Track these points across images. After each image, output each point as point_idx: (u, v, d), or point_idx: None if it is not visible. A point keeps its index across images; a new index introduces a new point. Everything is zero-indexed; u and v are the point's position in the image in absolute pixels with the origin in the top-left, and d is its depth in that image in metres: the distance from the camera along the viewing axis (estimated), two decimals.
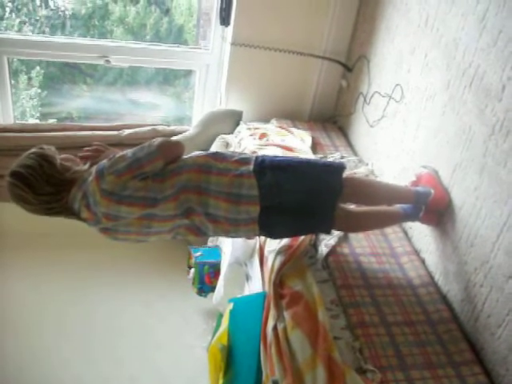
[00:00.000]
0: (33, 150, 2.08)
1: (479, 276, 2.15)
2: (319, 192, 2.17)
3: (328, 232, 2.29)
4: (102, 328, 3.17)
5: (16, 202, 2.05)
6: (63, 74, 4.17)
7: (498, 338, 2.03)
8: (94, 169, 2.05)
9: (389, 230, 2.67)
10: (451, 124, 2.37)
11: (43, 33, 3.62)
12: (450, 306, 2.32)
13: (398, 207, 2.45)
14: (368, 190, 2.39)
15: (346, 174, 2.28)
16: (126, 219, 2.04)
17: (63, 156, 2.15)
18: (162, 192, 2.02)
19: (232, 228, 2.10)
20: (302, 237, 2.41)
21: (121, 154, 2.05)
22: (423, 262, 2.53)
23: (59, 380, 2.86)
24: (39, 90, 4.01)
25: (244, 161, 2.15)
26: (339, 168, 2.26)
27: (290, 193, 2.13)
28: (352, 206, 2.43)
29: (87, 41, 3.49)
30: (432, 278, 2.45)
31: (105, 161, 2.04)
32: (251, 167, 2.10)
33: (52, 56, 3.53)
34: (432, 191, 2.39)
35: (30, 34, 3.56)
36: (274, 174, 2.11)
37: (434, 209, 2.40)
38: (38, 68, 3.92)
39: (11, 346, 2.99)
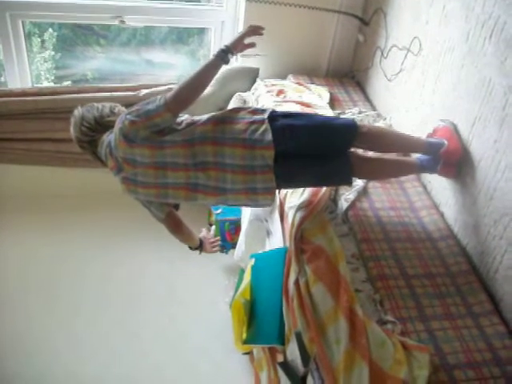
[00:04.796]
0: None
1: (499, 228, 2.17)
2: (333, 133, 2.24)
3: (348, 180, 2.30)
4: (124, 286, 3.25)
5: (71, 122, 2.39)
6: (76, 36, 4.13)
7: None
8: None
9: (408, 184, 2.68)
10: (470, 76, 2.35)
11: None
12: (469, 259, 2.34)
13: (414, 158, 2.47)
14: (381, 136, 2.43)
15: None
16: (141, 165, 2.16)
17: (123, 109, 2.43)
18: (171, 139, 2.14)
19: (249, 177, 2.13)
20: (322, 192, 2.44)
21: (139, 104, 2.18)
22: (442, 215, 2.55)
23: (84, 338, 2.96)
24: (53, 53, 3.99)
25: (259, 111, 2.24)
26: (350, 118, 2.36)
27: (303, 135, 2.18)
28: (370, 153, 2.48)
29: (102, 1, 3.46)
30: (451, 231, 2.47)
31: (129, 109, 2.21)
32: (265, 115, 2.18)
33: (67, 18, 3.51)
34: (445, 142, 2.38)
35: None
36: (286, 119, 2.21)
37: (448, 160, 2.40)
38: (50, 30, 3.90)
39: (19, 306, 3.08)
